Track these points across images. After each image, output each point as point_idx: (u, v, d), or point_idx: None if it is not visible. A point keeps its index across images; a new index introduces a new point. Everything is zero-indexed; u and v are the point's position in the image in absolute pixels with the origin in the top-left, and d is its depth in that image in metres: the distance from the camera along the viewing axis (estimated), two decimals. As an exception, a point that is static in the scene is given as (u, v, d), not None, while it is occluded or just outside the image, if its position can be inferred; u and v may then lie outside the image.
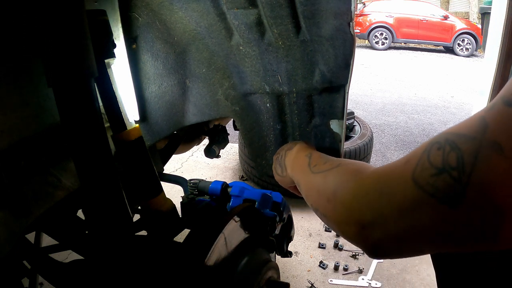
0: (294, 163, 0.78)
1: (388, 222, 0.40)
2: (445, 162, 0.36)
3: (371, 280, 1.80)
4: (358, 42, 11.42)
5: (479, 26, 8.12)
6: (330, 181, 0.53)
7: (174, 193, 1.41)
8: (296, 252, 2.00)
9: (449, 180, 0.35)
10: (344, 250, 2.01)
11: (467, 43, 10.37)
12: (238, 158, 3.06)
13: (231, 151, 3.32)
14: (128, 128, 0.87)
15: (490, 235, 0.33)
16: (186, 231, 0.89)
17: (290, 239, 1.12)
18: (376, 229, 0.41)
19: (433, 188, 0.36)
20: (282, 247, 1.07)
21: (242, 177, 2.89)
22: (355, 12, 0.97)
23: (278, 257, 1.14)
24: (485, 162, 0.33)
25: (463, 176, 0.34)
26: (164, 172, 1.38)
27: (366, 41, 11.38)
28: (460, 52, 10.39)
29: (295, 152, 0.82)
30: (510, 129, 0.32)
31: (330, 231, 2.16)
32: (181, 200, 1.15)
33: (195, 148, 2.79)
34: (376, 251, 0.43)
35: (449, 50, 10.78)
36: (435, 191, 0.36)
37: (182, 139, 1.43)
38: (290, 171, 0.79)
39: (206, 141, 1.53)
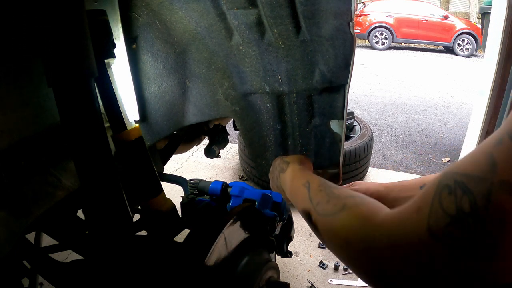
0: (292, 192, 0.75)
1: (405, 272, 0.40)
2: (458, 208, 0.35)
3: (371, 280, 1.80)
4: (358, 42, 11.41)
5: (479, 26, 8.11)
6: (339, 228, 0.52)
7: (174, 193, 1.41)
8: (296, 252, 2.00)
9: (465, 228, 0.34)
10: (344, 250, 2.01)
11: (467, 43, 10.36)
12: (238, 158, 3.06)
13: (231, 151, 3.32)
14: (128, 128, 0.87)
15: (509, 280, 0.34)
16: (186, 231, 0.89)
17: (290, 239, 1.12)
18: (392, 280, 0.41)
19: (450, 238, 0.35)
20: (282, 247, 1.07)
21: (242, 177, 2.89)
22: (355, 12, 0.97)
23: (278, 257, 1.14)
24: (498, 205, 0.32)
25: (478, 224, 0.33)
26: (164, 172, 1.37)
27: (366, 41, 11.38)
28: (460, 52, 10.38)
29: (289, 179, 0.78)
30: None
31: (330, 231, 2.16)
32: (181, 200, 1.15)
33: (195, 148, 2.79)
34: None
35: (449, 50, 10.78)
36: (452, 241, 0.35)
37: (182, 139, 1.43)
38: (290, 198, 0.76)
39: (206, 141, 1.53)
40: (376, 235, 0.44)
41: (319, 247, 2.05)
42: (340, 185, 1.05)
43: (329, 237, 0.55)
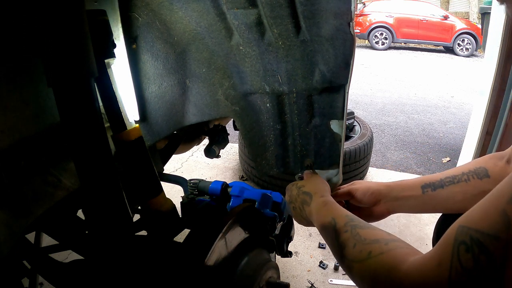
0: (320, 229, 0.77)
1: None
2: (477, 266, 0.38)
3: (371, 280, 1.80)
4: (358, 42, 11.41)
5: (479, 26, 8.11)
6: (366, 276, 0.55)
7: (174, 193, 1.41)
8: (296, 252, 2.00)
9: (483, 283, 0.37)
10: (344, 250, 2.01)
11: (467, 43, 10.37)
12: (238, 158, 3.06)
13: (231, 151, 3.32)
14: (128, 128, 0.87)
15: None
16: (186, 231, 0.89)
17: (290, 239, 1.12)
18: None
19: None
20: (282, 247, 1.07)
21: (242, 177, 2.89)
22: (355, 12, 0.97)
23: (278, 257, 1.14)
24: None
25: (495, 279, 0.36)
26: (164, 172, 1.37)
27: (366, 41, 11.38)
28: (460, 52, 10.38)
29: (315, 214, 0.80)
30: None
31: (330, 231, 2.16)
32: (181, 200, 1.15)
33: (195, 148, 2.79)
34: None
35: (449, 50, 10.78)
36: None
37: (182, 139, 1.43)
38: (320, 233, 0.78)
39: (206, 141, 1.53)
40: (402, 284, 0.47)
41: (319, 247, 2.05)
42: (340, 185, 1.05)
43: (354, 279, 0.59)
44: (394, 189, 0.87)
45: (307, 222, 0.89)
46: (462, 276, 0.39)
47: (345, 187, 0.98)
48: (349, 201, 0.96)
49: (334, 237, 0.67)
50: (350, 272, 0.59)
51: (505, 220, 0.36)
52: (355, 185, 0.95)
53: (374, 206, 0.90)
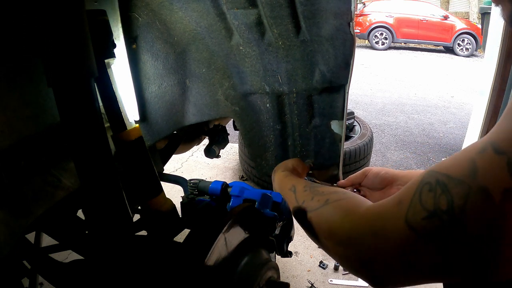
0: (284, 195, 0.78)
1: (387, 260, 0.42)
2: (436, 205, 0.38)
3: (371, 280, 1.80)
4: (358, 42, 11.41)
5: (479, 26, 8.11)
6: (324, 221, 0.55)
7: (174, 193, 1.41)
8: (296, 252, 2.00)
9: (440, 223, 0.37)
10: (344, 250, 2.01)
11: (467, 43, 10.36)
12: (238, 158, 3.06)
13: (231, 151, 3.32)
14: (128, 128, 0.87)
15: (481, 270, 0.36)
16: (186, 231, 0.89)
17: (290, 239, 1.12)
18: (375, 266, 0.44)
19: (425, 230, 0.38)
20: (282, 247, 1.07)
21: (242, 177, 2.89)
22: (355, 12, 0.97)
23: (278, 257, 1.14)
24: (474, 207, 0.35)
25: (453, 220, 0.36)
26: (164, 172, 1.37)
27: (366, 41, 11.38)
28: (460, 52, 10.38)
29: (278, 188, 0.82)
30: (498, 176, 0.35)
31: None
32: (181, 200, 1.15)
33: (195, 148, 2.79)
34: (379, 283, 0.46)
35: (449, 50, 10.77)
36: (428, 233, 0.38)
37: (182, 139, 1.43)
38: (287, 202, 0.80)
39: (206, 141, 1.53)
40: (359, 225, 0.47)
41: (319, 247, 2.05)
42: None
43: (316, 230, 0.58)
44: (407, 175, 0.87)
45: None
46: (419, 213, 0.39)
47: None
48: (360, 190, 0.95)
49: (294, 199, 0.68)
50: (310, 226, 0.59)
51: (472, 167, 0.37)
52: (369, 168, 0.95)
53: (386, 189, 0.89)
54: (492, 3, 0.48)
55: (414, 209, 0.40)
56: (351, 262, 0.48)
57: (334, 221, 0.52)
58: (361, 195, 0.92)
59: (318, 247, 2.04)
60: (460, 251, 0.37)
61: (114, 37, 0.87)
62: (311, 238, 0.61)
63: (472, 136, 2.42)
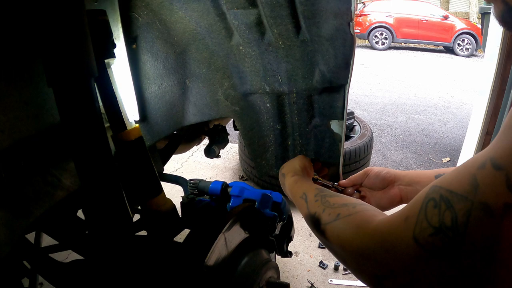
0: (295, 202, 0.80)
1: (397, 276, 0.44)
2: (441, 222, 0.39)
3: (371, 280, 1.80)
4: (358, 42, 11.41)
5: (479, 26, 8.10)
6: (335, 236, 0.57)
7: (174, 193, 1.41)
8: (296, 252, 2.00)
9: (446, 239, 0.38)
10: (344, 250, 2.01)
11: (467, 43, 10.36)
12: (238, 158, 3.06)
13: (231, 151, 3.32)
14: (128, 128, 0.87)
15: None
16: (186, 231, 0.89)
17: (290, 239, 1.12)
18: (387, 280, 0.45)
19: (432, 247, 0.39)
20: (282, 247, 1.07)
21: (242, 177, 2.89)
22: (355, 12, 0.97)
23: (278, 257, 1.14)
24: (476, 223, 0.36)
25: (457, 237, 0.37)
26: (164, 172, 1.37)
27: (366, 41, 11.38)
28: (460, 52, 10.37)
29: (289, 190, 0.84)
30: (498, 191, 0.36)
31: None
32: (181, 200, 1.15)
33: (195, 148, 2.79)
34: None
35: (449, 50, 10.77)
36: (435, 250, 0.39)
37: (182, 139, 1.43)
38: (297, 206, 0.81)
39: (206, 141, 1.53)
40: (370, 242, 0.48)
41: (319, 247, 2.05)
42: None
43: (325, 243, 0.61)
44: (408, 174, 0.88)
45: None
46: (426, 230, 0.40)
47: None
48: (361, 191, 0.95)
49: (306, 207, 0.70)
50: (324, 236, 0.61)
51: (473, 183, 0.38)
52: (370, 168, 0.96)
53: (386, 189, 0.89)
54: (485, 2, 0.48)
55: (421, 226, 0.41)
56: (363, 275, 0.50)
57: (346, 237, 0.54)
58: (362, 196, 0.93)
59: (318, 247, 2.04)
60: (465, 267, 0.37)
61: (114, 37, 0.87)
62: (323, 244, 0.64)
63: (472, 136, 2.42)
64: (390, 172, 0.89)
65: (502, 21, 0.44)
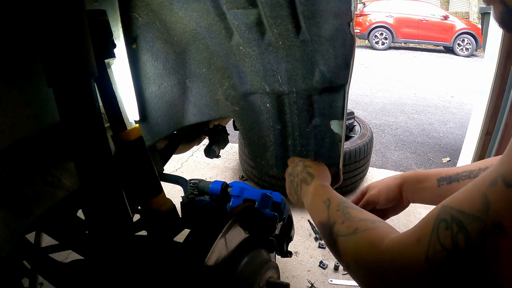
0: (312, 205, 0.80)
1: None
2: (454, 244, 0.39)
3: (371, 280, 1.80)
4: (358, 42, 11.40)
5: (479, 26, 8.10)
6: (349, 248, 0.58)
7: (174, 193, 1.41)
8: (296, 252, 2.00)
9: (461, 261, 0.38)
10: (344, 250, 2.01)
11: (467, 43, 10.35)
12: (238, 158, 3.06)
13: (231, 151, 3.32)
14: (128, 128, 0.87)
15: None
16: (186, 231, 0.89)
17: (290, 239, 1.12)
18: None
19: (447, 269, 0.39)
20: (282, 247, 1.07)
21: (242, 177, 2.89)
22: (355, 12, 0.96)
23: (278, 257, 1.14)
24: (491, 243, 0.36)
25: (472, 258, 0.37)
26: (164, 172, 1.38)
27: (366, 41, 11.37)
28: (460, 52, 10.37)
29: (311, 194, 0.83)
30: (511, 209, 0.35)
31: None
32: (181, 200, 1.15)
33: (195, 148, 2.79)
34: None
35: (449, 50, 10.77)
36: (450, 272, 0.39)
37: (182, 139, 1.43)
38: (308, 209, 0.81)
39: (206, 141, 1.53)
40: (381, 261, 0.49)
41: (319, 247, 2.05)
42: (340, 185, 1.05)
43: (338, 254, 0.61)
44: (409, 180, 0.89)
45: (296, 199, 0.91)
46: (440, 253, 0.40)
47: (364, 199, 0.96)
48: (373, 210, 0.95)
49: (326, 213, 0.71)
50: (334, 245, 0.62)
51: (485, 202, 0.37)
52: (372, 191, 0.93)
53: (396, 204, 0.92)
54: (485, 3, 0.48)
55: (434, 248, 0.40)
56: None
57: (358, 253, 0.55)
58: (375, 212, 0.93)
59: (318, 247, 2.04)
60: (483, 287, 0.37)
61: (114, 37, 0.87)
62: (331, 252, 0.64)
63: (472, 136, 2.42)
64: (396, 189, 0.89)
65: (502, 22, 0.43)
